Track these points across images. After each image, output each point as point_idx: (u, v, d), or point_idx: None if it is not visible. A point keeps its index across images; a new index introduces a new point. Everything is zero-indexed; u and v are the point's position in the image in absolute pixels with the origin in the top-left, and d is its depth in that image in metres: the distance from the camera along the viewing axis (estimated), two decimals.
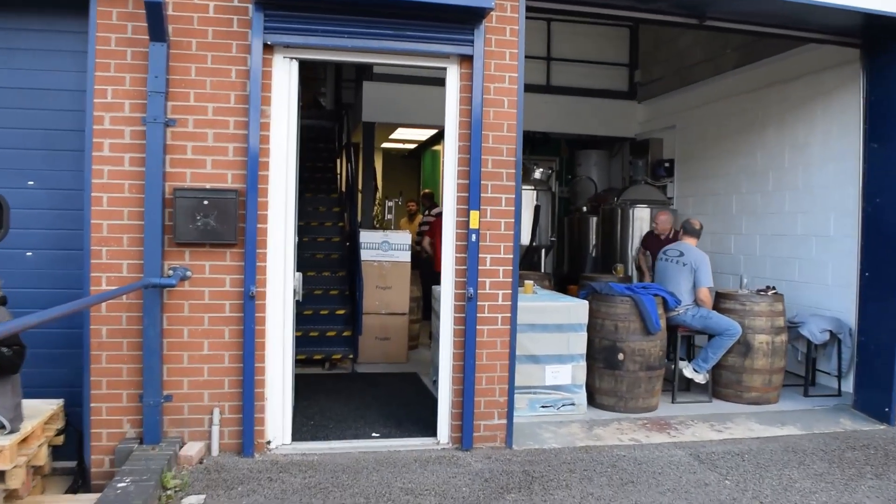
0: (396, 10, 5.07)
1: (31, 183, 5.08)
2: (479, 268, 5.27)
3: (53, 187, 5.10)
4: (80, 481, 5.01)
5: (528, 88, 5.50)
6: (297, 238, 5.89)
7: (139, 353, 4.89)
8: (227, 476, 4.66)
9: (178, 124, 4.91)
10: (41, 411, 4.50)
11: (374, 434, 5.61)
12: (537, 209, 9.95)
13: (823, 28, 6.57)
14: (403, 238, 8.62)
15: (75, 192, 4.98)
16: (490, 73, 5.29)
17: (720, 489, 4.73)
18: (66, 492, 4.95)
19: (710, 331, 6.80)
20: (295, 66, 5.13)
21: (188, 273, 4.93)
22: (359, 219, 10.62)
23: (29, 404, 4.40)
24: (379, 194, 14.27)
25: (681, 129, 10.78)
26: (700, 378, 6.84)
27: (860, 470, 5.17)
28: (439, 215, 10.11)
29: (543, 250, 10.29)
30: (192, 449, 4.92)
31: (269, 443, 5.16)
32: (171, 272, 4.89)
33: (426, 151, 16.88)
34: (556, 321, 6.23)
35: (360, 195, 11.63)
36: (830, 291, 7.55)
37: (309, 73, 13.57)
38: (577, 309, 6.32)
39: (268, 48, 4.97)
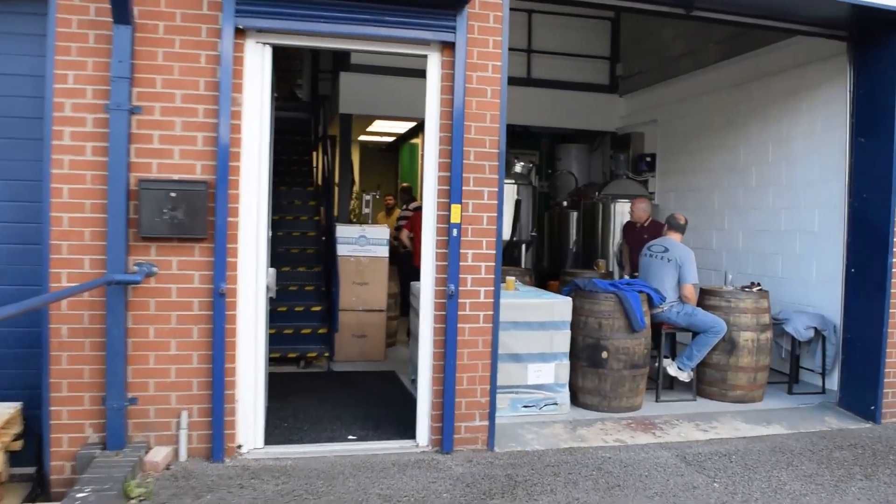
0: None
1: None
2: (461, 264, 5.07)
3: (10, 178, 4.87)
4: (39, 489, 4.76)
5: (509, 81, 5.29)
6: (270, 232, 5.66)
7: (102, 353, 4.64)
8: (196, 483, 4.43)
9: (144, 112, 4.65)
10: None
11: (350, 437, 5.39)
12: (518, 203, 9.76)
13: (811, 20, 6.44)
14: (381, 233, 8.39)
15: (34, 184, 4.74)
16: (473, 61, 5.08)
17: (709, 493, 4.58)
18: (25, 500, 4.72)
19: (694, 328, 6.66)
20: (268, 52, 4.89)
21: (154, 269, 4.69)
22: (335, 213, 10.38)
23: None
24: (356, 188, 14.04)
25: (663, 123, 10.65)
26: (684, 376, 6.70)
27: (849, 471, 5.05)
28: (417, 209, 9.91)
29: (524, 245, 10.11)
30: (159, 454, 4.67)
31: (240, 447, 4.93)
32: (136, 268, 4.64)
33: (404, 145, 16.66)
34: (538, 318, 6.05)
35: (336, 189, 11.39)
36: (814, 288, 7.45)
37: (285, 65, 13.32)
38: (560, 306, 6.14)
39: (239, 33, 4.73)
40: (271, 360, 7.25)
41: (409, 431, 5.34)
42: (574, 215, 11.01)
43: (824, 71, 7.39)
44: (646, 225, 8.38)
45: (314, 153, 11.43)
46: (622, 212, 9.94)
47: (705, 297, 6.90)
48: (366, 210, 10.36)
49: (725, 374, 6.68)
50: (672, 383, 6.97)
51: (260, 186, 4.89)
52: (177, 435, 4.79)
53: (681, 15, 6.20)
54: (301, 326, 8.01)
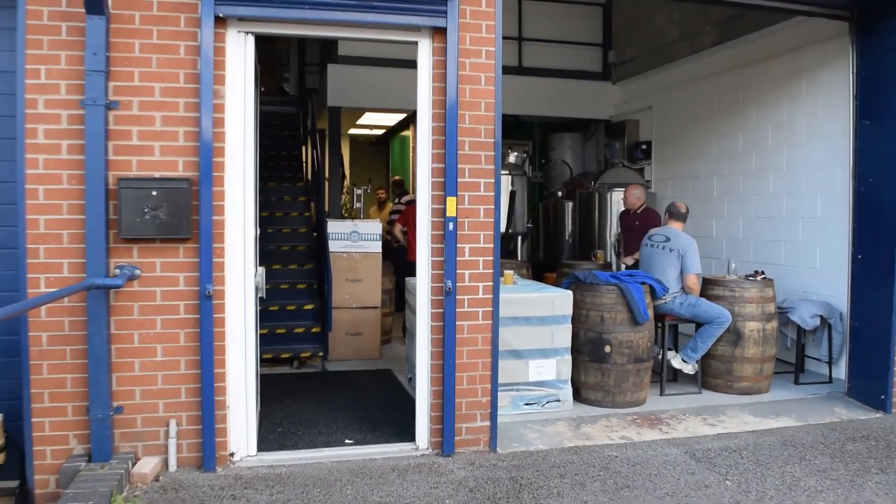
0: None
1: None
2: (458, 259, 4.86)
3: None
4: None
5: None
6: (258, 230, 5.46)
7: (84, 361, 4.42)
8: (186, 495, 4.22)
9: (122, 107, 4.42)
10: None
11: (347, 440, 5.19)
12: (513, 195, 9.57)
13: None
14: (373, 227, 8.17)
15: (7, 185, 4.53)
16: (465, 47, 4.87)
17: (722, 491, 4.40)
18: None
19: (698, 319, 6.48)
20: (251, 41, 4.67)
21: (137, 272, 4.46)
22: (326, 208, 10.17)
23: None
24: (347, 182, 13.81)
25: (658, 109, 10.45)
26: (689, 369, 6.52)
27: (864, 464, 4.88)
28: (410, 203, 9.73)
29: (520, 237, 9.91)
30: (147, 465, 4.47)
31: (232, 455, 4.72)
32: (117, 271, 4.42)
33: (394, 137, 16.43)
34: (538, 313, 5.85)
35: (326, 183, 11.18)
36: (819, 275, 7.28)
37: (271, 59, 13.08)
38: (560, 300, 5.94)
39: (220, 21, 4.49)
40: (264, 361, 7.10)
41: (407, 433, 5.15)
42: (569, 205, 10.82)
43: (825, 53, 7.21)
44: (638, 212, 8.16)
45: (303, 148, 11.21)
46: (619, 201, 9.69)
47: (708, 286, 6.71)
48: (357, 204, 10.14)
49: (731, 365, 6.50)
50: (676, 376, 6.80)
51: (246, 182, 4.67)
52: (166, 444, 4.59)
53: None
54: (293, 326, 7.80)
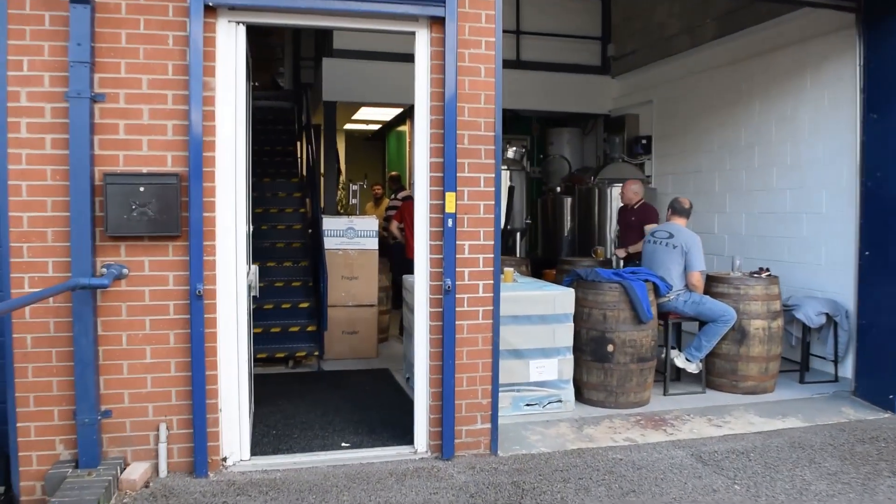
0: None
1: None
2: (457, 256, 4.70)
3: None
4: None
5: None
6: (251, 227, 5.31)
7: (71, 363, 4.25)
8: (177, 502, 4.07)
9: (108, 99, 4.25)
10: None
11: (343, 444, 5.03)
12: (511, 190, 9.42)
13: None
14: (370, 224, 8.01)
15: None
16: (464, 37, 4.70)
17: (731, 496, 4.26)
18: None
19: (703, 317, 6.33)
20: (242, 31, 4.50)
21: (125, 271, 4.30)
22: (322, 204, 10.00)
23: None
24: (342, 178, 13.65)
25: (658, 104, 10.30)
26: (693, 368, 6.38)
27: (875, 467, 4.74)
28: (407, 199, 9.57)
29: (518, 234, 9.76)
30: (136, 471, 4.31)
31: (224, 459, 4.57)
32: (104, 270, 4.25)
33: (391, 133, 16.27)
34: (539, 312, 5.70)
35: (322, 179, 11.01)
36: (824, 272, 7.14)
37: (266, 53, 12.92)
38: (562, 298, 5.79)
39: (210, 10, 4.32)
40: (259, 361, 6.95)
41: (406, 436, 5.00)
42: (568, 201, 10.67)
43: (830, 45, 7.06)
44: (635, 207, 7.99)
45: (298, 143, 11.05)
46: (618, 196, 9.57)
47: (712, 284, 6.57)
48: (353, 200, 9.98)
49: (736, 364, 6.36)
50: (679, 375, 6.66)
51: (237, 178, 4.51)
52: (156, 449, 4.43)
53: None
54: (289, 324, 7.64)
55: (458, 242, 4.70)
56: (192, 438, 4.43)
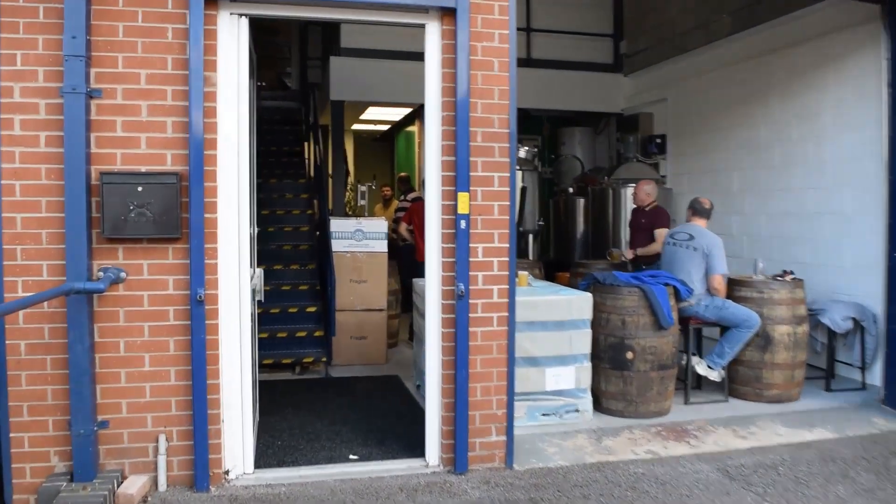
0: None
1: None
2: (470, 259, 4.48)
3: None
4: None
5: None
6: (255, 229, 5.11)
7: (66, 371, 4.05)
8: None
9: (105, 95, 4.06)
10: None
11: (351, 456, 4.81)
12: (523, 191, 9.19)
13: None
14: (379, 226, 7.79)
15: None
16: (477, 29, 4.48)
17: None
18: None
19: (725, 322, 6.08)
20: (244, 24, 4.29)
21: (122, 274, 4.10)
22: (330, 206, 9.80)
23: None
24: (351, 179, 13.45)
25: (673, 102, 10.06)
26: (715, 376, 6.12)
27: None
28: (416, 200, 9.36)
29: (531, 236, 9.53)
30: (134, 485, 4.10)
31: (227, 472, 4.36)
32: (100, 274, 4.05)
33: (399, 133, 16.06)
34: (556, 317, 5.47)
35: (330, 180, 10.82)
36: (849, 274, 6.87)
37: (272, 52, 12.76)
38: (579, 303, 5.56)
39: (210, 2, 4.12)
40: (264, 367, 6.74)
41: (417, 448, 4.77)
42: (581, 202, 10.42)
43: (854, 39, 6.80)
44: (647, 209, 7.69)
45: (305, 143, 10.86)
46: (632, 197, 9.36)
47: (734, 287, 6.31)
48: (361, 202, 9.76)
49: (760, 371, 6.11)
50: (700, 383, 6.41)
51: (240, 177, 4.30)
52: (154, 461, 4.23)
53: None
54: (295, 329, 7.43)
55: (471, 245, 4.48)
56: (193, 451, 4.23)
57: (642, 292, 5.60)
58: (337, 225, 7.67)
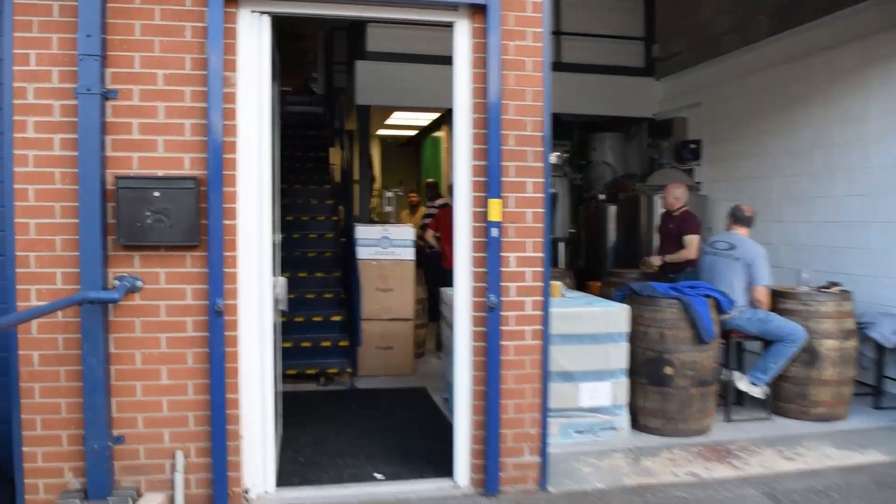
0: None
1: None
2: (502, 270, 4.24)
3: None
4: None
5: None
6: (280, 235, 4.92)
7: (81, 384, 3.88)
8: None
9: (121, 96, 3.88)
10: None
11: (377, 475, 4.59)
12: (554, 197, 8.93)
13: None
14: (406, 233, 7.58)
15: None
16: (508, 27, 4.26)
17: None
18: None
19: (769, 336, 5.78)
20: (266, 22, 4.11)
21: (138, 283, 3.92)
22: (355, 212, 9.63)
23: None
24: (377, 184, 13.28)
25: (707, 106, 9.75)
26: (758, 392, 5.81)
27: None
28: (443, 206, 9.16)
29: (562, 244, 9.27)
30: (151, 503, 3.92)
31: (246, 492, 4.16)
32: (116, 282, 3.88)
33: (426, 139, 15.88)
34: (591, 330, 5.22)
35: (355, 186, 10.64)
36: None
37: (298, 57, 12.66)
38: (616, 315, 5.29)
39: (231, 0, 3.94)
40: (288, 378, 6.55)
41: (445, 467, 4.53)
42: (612, 209, 10.13)
43: None
44: (675, 214, 7.31)
45: (331, 149, 10.70)
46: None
47: (778, 299, 6.00)
48: (388, 208, 9.58)
49: (805, 388, 5.80)
50: (741, 398, 6.10)
51: (262, 182, 4.11)
52: (171, 479, 4.04)
53: None
54: (320, 339, 7.23)
55: (502, 254, 4.24)
56: (211, 468, 4.03)
57: (682, 304, 5.33)
58: (362, 232, 7.48)
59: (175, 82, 3.92)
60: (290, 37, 12.36)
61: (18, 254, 3.86)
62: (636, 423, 5.49)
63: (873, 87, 6.95)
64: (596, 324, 5.24)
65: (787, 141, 8.15)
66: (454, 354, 4.44)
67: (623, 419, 5.34)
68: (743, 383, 5.81)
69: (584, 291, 7.27)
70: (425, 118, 13.58)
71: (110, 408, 3.95)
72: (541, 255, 4.33)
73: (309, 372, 6.95)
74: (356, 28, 10.32)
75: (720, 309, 5.62)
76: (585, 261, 10.66)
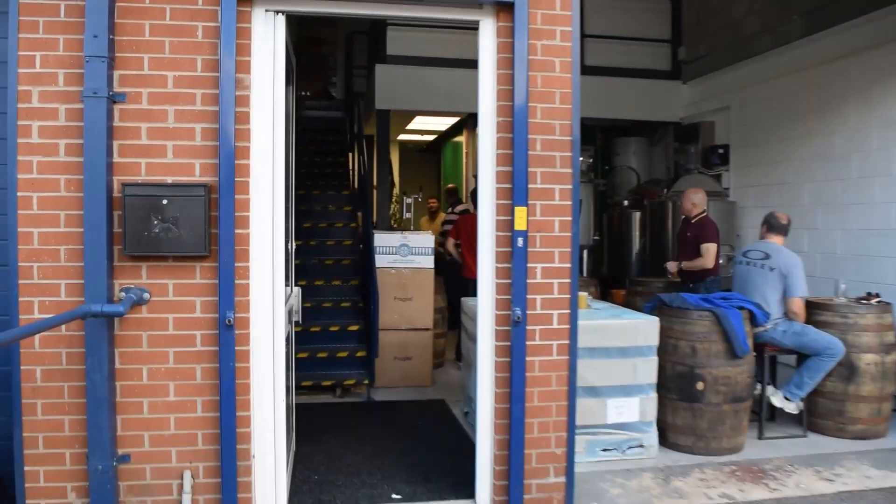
0: None
1: None
2: (528, 281, 4.03)
3: None
4: None
5: None
6: (293, 244, 4.73)
7: (85, 400, 3.71)
8: None
9: (129, 100, 3.71)
10: None
11: (394, 496, 4.38)
12: (579, 203, 8.67)
13: None
14: (425, 240, 7.37)
15: None
16: (536, 26, 4.05)
17: None
18: None
19: (805, 349, 5.51)
20: (281, 21, 3.92)
21: (146, 295, 3.74)
22: (374, 219, 9.44)
23: None
24: (396, 190, 13.10)
25: (736, 110, 9.49)
26: (792, 408, 5.56)
27: None
28: (464, 213, 8.95)
29: (586, 251, 9.02)
30: None
31: None
32: (122, 295, 3.70)
33: (446, 144, 15.70)
34: (619, 343, 4.99)
35: (375, 192, 10.47)
36: None
37: (318, 62, 12.53)
38: (645, 327, 5.06)
39: None
40: (303, 389, 6.37)
41: (465, 486, 4.33)
42: (637, 216, 9.88)
43: None
44: (692, 221, 6.92)
45: (350, 154, 10.54)
46: None
47: (813, 311, 5.73)
48: (407, 214, 9.38)
49: (843, 404, 5.53)
50: (774, 414, 5.84)
51: (275, 189, 3.91)
52: (179, 500, 3.84)
53: None
54: (336, 349, 7.04)
55: (528, 265, 4.02)
56: (221, 489, 3.83)
57: (715, 317, 5.08)
58: (381, 239, 7.29)
59: (185, 85, 3.74)
60: (309, 41, 12.24)
61: (21, 264, 3.69)
62: (664, 441, 5.24)
63: None
64: (624, 337, 5.00)
65: (821, 145, 7.87)
66: (476, 370, 4.22)
67: (652, 436, 5.10)
68: (777, 398, 5.56)
69: (609, 300, 7.03)
70: (446, 122, 13.41)
71: (115, 425, 3.77)
72: (568, 265, 4.11)
73: (325, 383, 6.76)
74: (376, 31, 10.17)
75: (754, 321, 5.37)
76: (609, 268, 10.41)
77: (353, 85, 11.95)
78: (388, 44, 9.69)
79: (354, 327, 7.26)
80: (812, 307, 5.75)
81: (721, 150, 9.61)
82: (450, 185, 11.50)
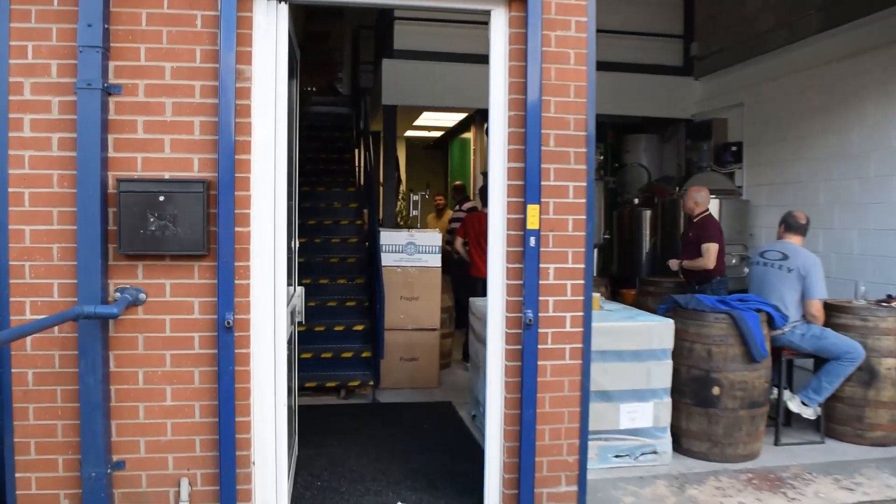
0: None
1: None
2: (540, 282, 3.87)
3: None
4: None
5: None
6: (296, 242, 4.58)
7: (78, 404, 3.57)
8: None
9: (125, 91, 3.56)
10: None
11: (400, 503, 4.23)
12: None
13: None
14: (432, 238, 7.21)
15: None
16: (550, 16, 3.89)
17: None
18: None
19: (824, 353, 5.34)
20: (284, 10, 3.76)
21: (142, 296, 3.60)
22: (380, 216, 9.29)
23: None
24: (403, 187, 12.95)
25: (750, 107, 9.30)
26: (810, 413, 5.38)
27: None
28: (471, 210, 8.80)
29: (596, 250, 8.85)
30: None
31: None
32: (117, 295, 3.55)
33: (454, 140, 15.54)
34: (632, 346, 4.81)
35: (381, 189, 10.31)
36: None
37: (324, 58, 12.39)
38: (659, 330, 4.88)
39: None
40: (307, 391, 6.23)
41: (473, 493, 4.18)
42: (647, 214, 9.70)
43: None
44: (694, 220, 6.72)
45: (356, 150, 10.39)
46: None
47: (832, 314, 5.55)
48: (414, 212, 9.22)
49: (862, 410, 5.36)
50: (790, 419, 5.67)
51: (277, 186, 3.76)
52: None
53: None
54: (341, 349, 6.89)
55: (541, 265, 3.86)
56: (219, 496, 3.69)
57: (731, 319, 4.91)
58: (387, 237, 7.13)
59: (184, 76, 3.59)
60: (315, 37, 12.09)
61: (13, 263, 3.55)
62: (678, 447, 5.08)
63: None
64: (638, 339, 4.83)
65: (837, 143, 7.69)
66: (486, 374, 4.06)
67: (666, 442, 4.93)
68: (794, 403, 5.39)
69: (619, 300, 6.86)
70: (453, 119, 13.26)
71: (110, 431, 3.63)
72: (582, 266, 3.95)
73: (329, 384, 6.60)
74: (383, 25, 10.01)
75: (772, 324, 5.19)
76: (619, 268, 10.24)
77: (359, 80, 11.80)
78: (396, 38, 9.54)
79: (360, 327, 7.11)
80: (830, 310, 5.57)
81: (734, 148, 9.44)
82: (457, 183, 11.35)
